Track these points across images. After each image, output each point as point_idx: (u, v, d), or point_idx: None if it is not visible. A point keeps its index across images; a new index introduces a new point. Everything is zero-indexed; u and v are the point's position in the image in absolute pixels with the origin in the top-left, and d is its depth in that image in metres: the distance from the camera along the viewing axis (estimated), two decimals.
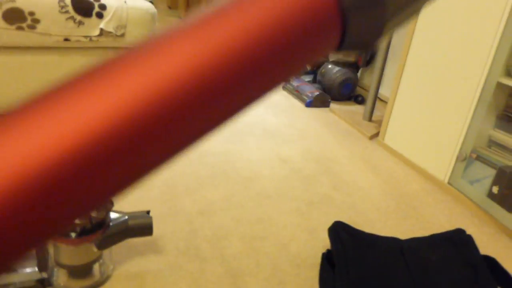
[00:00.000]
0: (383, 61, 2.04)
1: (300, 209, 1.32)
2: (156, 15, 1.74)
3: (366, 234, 1.07)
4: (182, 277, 0.99)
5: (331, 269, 0.98)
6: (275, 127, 1.95)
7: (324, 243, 1.15)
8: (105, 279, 0.94)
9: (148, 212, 0.96)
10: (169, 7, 4.92)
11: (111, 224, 0.89)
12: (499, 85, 1.37)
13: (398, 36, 2.18)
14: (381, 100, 2.38)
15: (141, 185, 1.34)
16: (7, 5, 1.42)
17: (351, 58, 2.44)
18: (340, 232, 1.02)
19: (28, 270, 0.90)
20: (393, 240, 1.06)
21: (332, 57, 2.49)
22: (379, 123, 2.05)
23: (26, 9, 1.45)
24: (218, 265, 1.04)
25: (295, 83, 2.51)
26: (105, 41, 1.63)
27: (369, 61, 2.48)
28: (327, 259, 1.01)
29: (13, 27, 1.45)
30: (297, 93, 2.43)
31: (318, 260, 1.08)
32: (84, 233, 0.84)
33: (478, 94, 1.43)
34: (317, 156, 1.72)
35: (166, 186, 1.35)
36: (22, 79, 1.60)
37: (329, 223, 1.12)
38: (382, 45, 2.18)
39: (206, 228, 1.17)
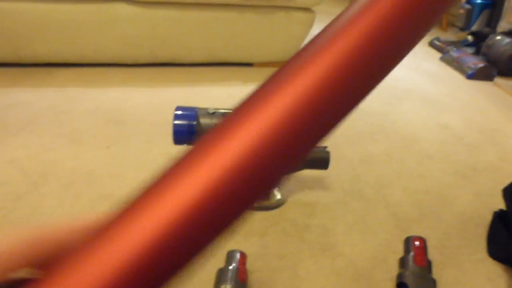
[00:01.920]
0: None
1: (463, 172, 1.29)
2: None
3: None
4: (349, 211, 1.07)
5: (505, 228, 0.95)
6: (433, 96, 1.89)
7: (491, 206, 1.12)
8: (282, 202, 1.07)
9: (325, 148, 1.05)
10: None
11: None
12: None
13: None
14: None
15: None
16: None
17: None
18: None
19: None
20: None
21: (503, 27, 2.27)
22: None
23: None
24: (382, 208, 1.09)
25: (455, 53, 2.36)
26: (278, 0, 1.76)
27: None
28: (500, 217, 0.99)
29: None
30: (457, 65, 2.28)
31: (484, 220, 1.06)
32: None
33: None
34: (480, 126, 1.62)
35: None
36: (204, 34, 1.82)
37: (497, 189, 1.08)
38: None
39: (368, 175, 1.23)
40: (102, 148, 1.25)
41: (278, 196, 1.07)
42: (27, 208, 0.99)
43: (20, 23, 1.63)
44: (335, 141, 1.40)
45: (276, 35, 1.89)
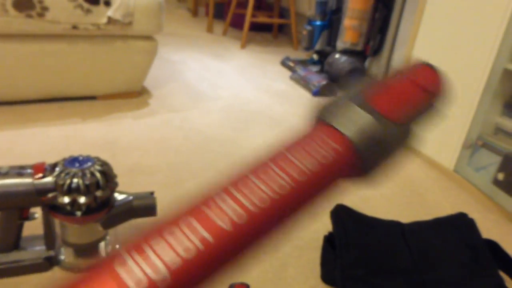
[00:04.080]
0: (390, 49, 2.03)
1: None
2: (163, 5, 1.75)
3: (368, 217, 1.08)
4: None
5: (333, 251, 0.99)
6: (281, 115, 1.96)
7: (327, 227, 1.16)
8: None
9: (152, 193, 0.98)
10: (178, 0, 4.92)
11: (115, 204, 0.91)
12: (506, 72, 1.36)
13: (405, 24, 2.17)
14: None
15: (144, 172, 1.36)
16: None
17: (358, 47, 2.43)
18: (342, 214, 1.03)
19: (36, 248, 0.92)
20: (395, 223, 1.07)
21: (339, 46, 2.48)
22: None
23: None
24: None
25: (302, 72, 2.51)
26: (112, 29, 1.65)
27: (377, 50, 2.47)
28: (329, 241, 1.02)
29: (23, 14, 1.47)
30: (304, 83, 2.43)
31: (320, 243, 1.09)
32: (89, 212, 0.86)
33: (484, 81, 1.42)
34: None
35: (171, 171, 1.37)
36: (31, 67, 1.63)
37: (331, 207, 1.13)
38: (389, 33, 2.17)
39: None
40: None
41: (103, 253, 0.97)
42: None
43: None
44: (178, 177, 1.34)
45: (117, 65, 1.77)
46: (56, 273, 0.91)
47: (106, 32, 1.66)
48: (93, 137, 1.55)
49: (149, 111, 1.82)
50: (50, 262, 0.92)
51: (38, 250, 0.92)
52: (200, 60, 2.70)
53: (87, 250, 0.94)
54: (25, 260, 0.90)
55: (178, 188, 1.28)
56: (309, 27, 2.70)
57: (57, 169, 0.85)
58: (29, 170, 0.84)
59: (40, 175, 0.83)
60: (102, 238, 0.95)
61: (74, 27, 1.58)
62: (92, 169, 0.86)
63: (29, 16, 1.48)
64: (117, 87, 1.86)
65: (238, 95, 2.17)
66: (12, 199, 0.83)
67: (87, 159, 0.88)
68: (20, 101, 1.71)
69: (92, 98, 1.85)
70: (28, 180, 0.82)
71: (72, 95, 1.79)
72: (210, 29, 3.61)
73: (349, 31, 2.42)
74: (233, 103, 2.04)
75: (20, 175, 0.83)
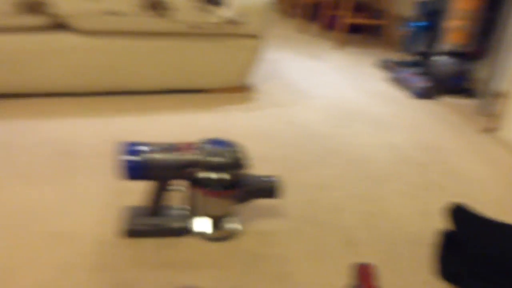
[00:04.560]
0: (499, 52, 1.94)
1: (411, 192, 1.34)
2: (271, 7, 1.86)
3: (489, 218, 1.06)
4: (304, 238, 1.08)
5: (451, 248, 0.99)
6: (382, 116, 1.97)
7: (439, 226, 1.16)
8: (237, 232, 1.06)
9: (273, 177, 1.06)
10: (285, 15, 5.03)
11: (247, 182, 1.01)
12: None
13: None
14: (496, 94, 2.25)
15: (258, 160, 1.46)
16: None
17: (463, 49, 2.34)
18: (464, 214, 1.03)
19: (176, 215, 1.05)
20: None
21: (442, 48, 2.41)
22: (494, 117, 1.96)
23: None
24: (336, 233, 1.11)
25: (401, 73, 2.48)
26: (227, 28, 1.79)
27: (483, 52, 2.35)
28: (448, 238, 1.03)
29: (154, 14, 1.65)
30: (403, 84, 2.39)
31: (433, 240, 1.10)
32: (228, 187, 0.97)
33: None
34: (426, 145, 1.70)
35: (282, 161, 1.46)
36: (153, 62, 1.81)
37: (444, 208, 1.13)
38: (496, 34, 2.07)
39: (322, 200, 1.25)
40: (51, 183, 1.20)
41: (232, 225, 1.07)
42: None
43: None
44: (288, 166, 1.42)
45: (225, 61, 1.90)
46: (189, 239, 1.03)
47: (221, 31, 1.80)
48: (207, 125, 1.68)
49: (256, 105, 1.93)
50: (186, 229, 1.03)
51: (178, 217, 1.05)
52: (297, 59, 2.78)
53: (218, 222, 1.04)
54: (165, 225, 1.03)
55: (292, 177, 1.35)
56: (409, 28, 2.65)
57: (204, 147, 0.96)
58: (179, 146, 0.96)
59: (190, 151, 0.95)
60: (232, 213, 1.06)
61: (196, 26, 1.73)
62: (231, 150, 0.97)
63: (159, 15, 1.66)
64: (225, 82, 1.99)
65: (337, 94, 2.20)
66: (164, 171, 0.96)
67: (227, 142, 0.99)
68: (142, 91, 1.91)
69: (200, 91, 2.00)
70: (180, 155, 0.95)
71: (184, 87, 1.96)
72: (303, 30, 3.68)
73: (454, 32, 2.35)
74: (333, 101, 2.09)
75: (173, 149, 0.95)
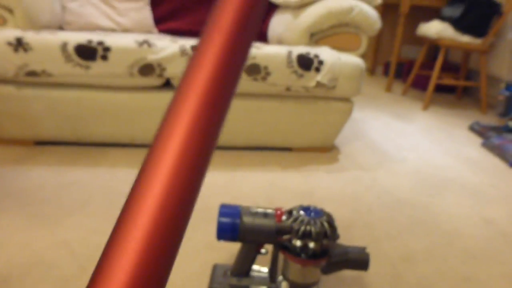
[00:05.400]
0: None
1: (510, 275, 1.24)
2: (364, 71, 1.90)
3: None
4: None
5: None
6: (476, 186, 1.86)
7: None
8: None
9: (365, 249, 1.05)
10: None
11: (335, 253, 1.02)
12: None
13: None
14: None
15: (341, 226, 1.45)
16: (249, 61, 1.76)
17: None
18: None
19: (262, 278, 1.08)
20: None
21: None
22: None
23: (262, 64, 1.77)
24: None
25: (496, 140, 2.34)
26: (318, 92, 1.86)
27: None
28: None
29: (251, 78, 1.78)
30: (499, 152, 2.26)
31: None
32: (313, 256, 0.98)
33: None
34: None
35: (366, 229, 1.44)
36: (247, 120, 1.93)
37: None
38: None
39: (409, 275, 1.21)
40: None
41: None
42: None
43: (81, 108, 1.80)
44: (374, 236, 1.40)
45: (315, 122, 1.96)
46: None
47: (312, 94, 1.88)
48: (292, 185, 1.73)
49: (340, 167, 1.94)
50: None
51: (263, 280, 1.08)
52: (382, 119, 2.76)
53: None
54: (252, 286, 1.07)
55: (375, 247, 1.33)
56: (507, 92, 2.53)
57: (294, 214, 1.00)
58: (271, 212, 1.01)
59: (282, 218, 0.99)
60: (316, 283, 1.06)
61: (288, 89, 1.83)
62: (322, 219, 0.99)
63: (255, 79, 1.79)
64: (312, 142, 2.04)
65: (424, 158, 2.14)
66: (257, 235, 1.01)
67: (317, 209, 1.02)
68: (232, 147, 2.03)
69: (287, 149, 2.07)
70: (272, 221, 0.99)
71: (271, 145, 2.04)
72: (389, 89, 3.66)
73: None
74: (421, 167, 2.03)
75: (266, 216, 1.01)
